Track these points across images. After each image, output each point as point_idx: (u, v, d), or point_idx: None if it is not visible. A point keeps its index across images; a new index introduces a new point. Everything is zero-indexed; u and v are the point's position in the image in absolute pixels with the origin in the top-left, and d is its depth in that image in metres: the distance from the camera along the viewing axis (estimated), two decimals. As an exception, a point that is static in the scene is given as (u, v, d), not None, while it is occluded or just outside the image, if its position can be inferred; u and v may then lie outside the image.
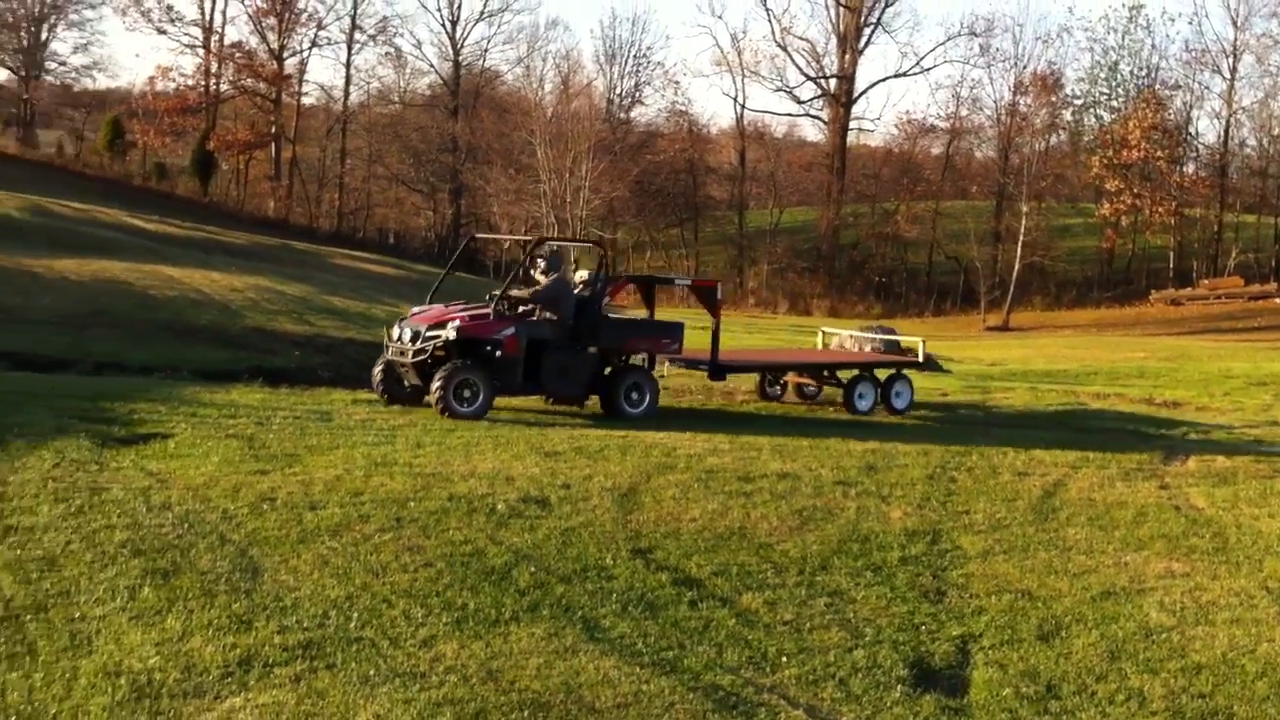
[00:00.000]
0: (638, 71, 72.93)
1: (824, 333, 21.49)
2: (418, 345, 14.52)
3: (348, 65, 69.97)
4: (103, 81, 78.35)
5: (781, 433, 14.30)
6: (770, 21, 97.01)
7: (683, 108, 74.57)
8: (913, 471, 11.94)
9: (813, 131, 79.43)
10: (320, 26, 68.83)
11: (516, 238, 17.42)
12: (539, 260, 15.43)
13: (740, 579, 8.10)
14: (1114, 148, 63.25)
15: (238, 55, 67.26)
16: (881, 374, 17.96)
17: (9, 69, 75.60)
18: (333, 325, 22.86)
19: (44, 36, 75.21)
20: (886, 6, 69.25)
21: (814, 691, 6.36)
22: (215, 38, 68.19)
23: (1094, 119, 72.40)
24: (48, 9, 73.81)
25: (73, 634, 6.28)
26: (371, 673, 6.03)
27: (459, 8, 72.01)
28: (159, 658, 6.01)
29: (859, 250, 68.24)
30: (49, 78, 75.72)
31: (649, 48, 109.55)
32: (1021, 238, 59.80)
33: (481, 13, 74.38)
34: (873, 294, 64.15)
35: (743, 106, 71.97)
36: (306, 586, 7.26)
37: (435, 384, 14.03)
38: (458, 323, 14.42)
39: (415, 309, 15.74)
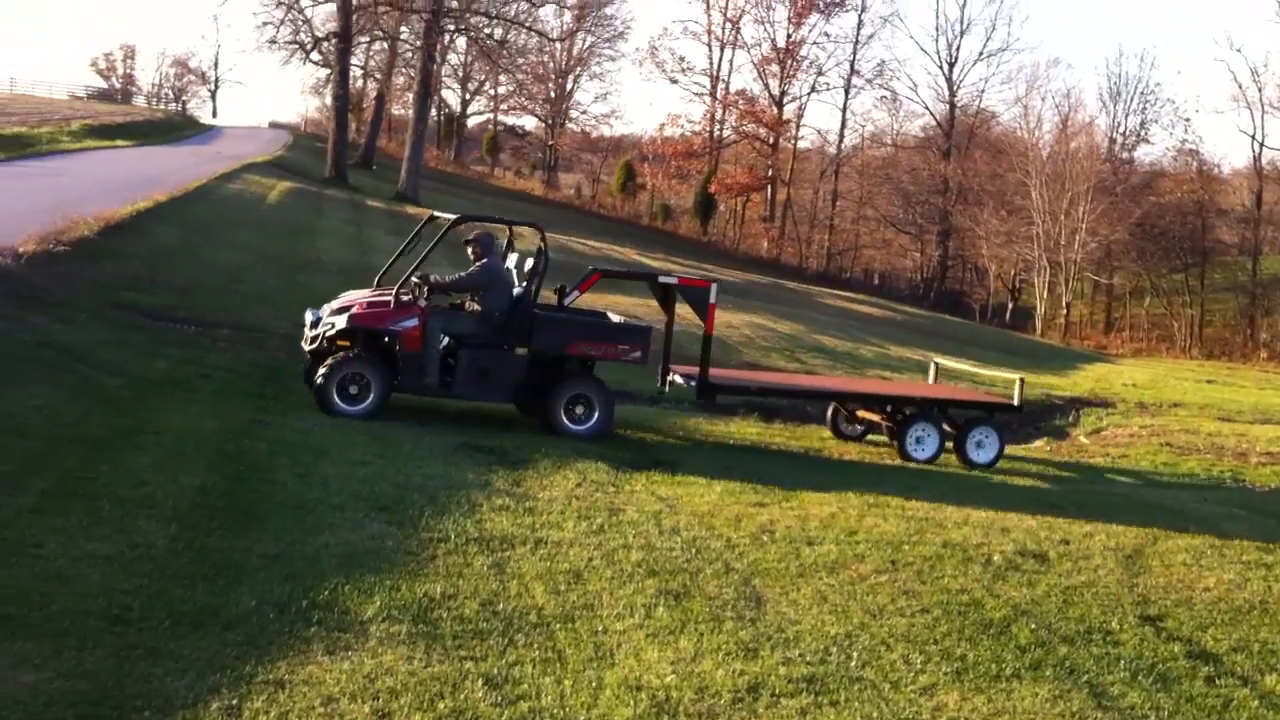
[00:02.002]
0: (1144, 109, 69.15)
1: (935, 364, 17.70)
2: (314, 333, 12.79)
3: (844, 109, 71.76)
4: (618, 128, 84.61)
5: None
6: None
7: (1192, 146, 69.86)
8: None
9: (1344, 170, 71.70)
10: (820, 73, 70.72)
11: (500, 220, 15.30)
12: (468, 243, 13.33)
13: (1263, 658, 7.51)
14: None
15: (741, 102, 70.39)
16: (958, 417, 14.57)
17: (538, 118, 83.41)
18: (821, 364, 23.21)
19: (568, 87, 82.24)
20: None
21: (1354, 793, 5.79)
22: (721, 86, 71.72)
23: None
24: (573, 62, 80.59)
25: (596, 645, 6.74)
26: (874, 715, 6.09)
27: (958, 49, 71.76)
28: (674, 676, 6.36)
29: (1399, 302, 60.84)
30: (571, 125, 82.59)
31: (1158, 84, 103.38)
32: None
33: (980, 53, 73.76)
34: None
35: (1261, 144, 66.35)
36: (807, 620, 7.46)
37: (318, 375, 12.30)
38: (353, 310, 12.61)
39: (350, 292, 13.80)
